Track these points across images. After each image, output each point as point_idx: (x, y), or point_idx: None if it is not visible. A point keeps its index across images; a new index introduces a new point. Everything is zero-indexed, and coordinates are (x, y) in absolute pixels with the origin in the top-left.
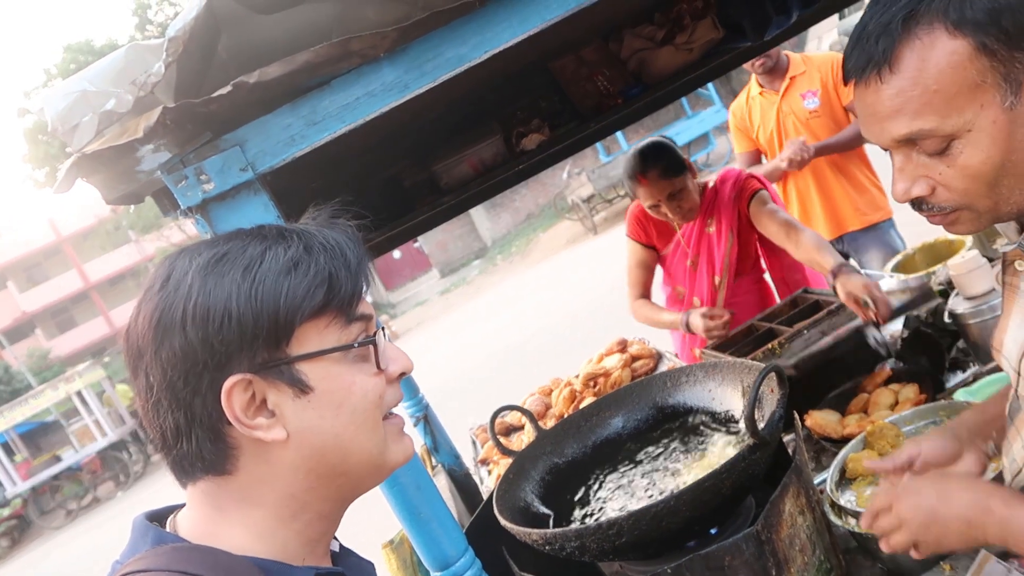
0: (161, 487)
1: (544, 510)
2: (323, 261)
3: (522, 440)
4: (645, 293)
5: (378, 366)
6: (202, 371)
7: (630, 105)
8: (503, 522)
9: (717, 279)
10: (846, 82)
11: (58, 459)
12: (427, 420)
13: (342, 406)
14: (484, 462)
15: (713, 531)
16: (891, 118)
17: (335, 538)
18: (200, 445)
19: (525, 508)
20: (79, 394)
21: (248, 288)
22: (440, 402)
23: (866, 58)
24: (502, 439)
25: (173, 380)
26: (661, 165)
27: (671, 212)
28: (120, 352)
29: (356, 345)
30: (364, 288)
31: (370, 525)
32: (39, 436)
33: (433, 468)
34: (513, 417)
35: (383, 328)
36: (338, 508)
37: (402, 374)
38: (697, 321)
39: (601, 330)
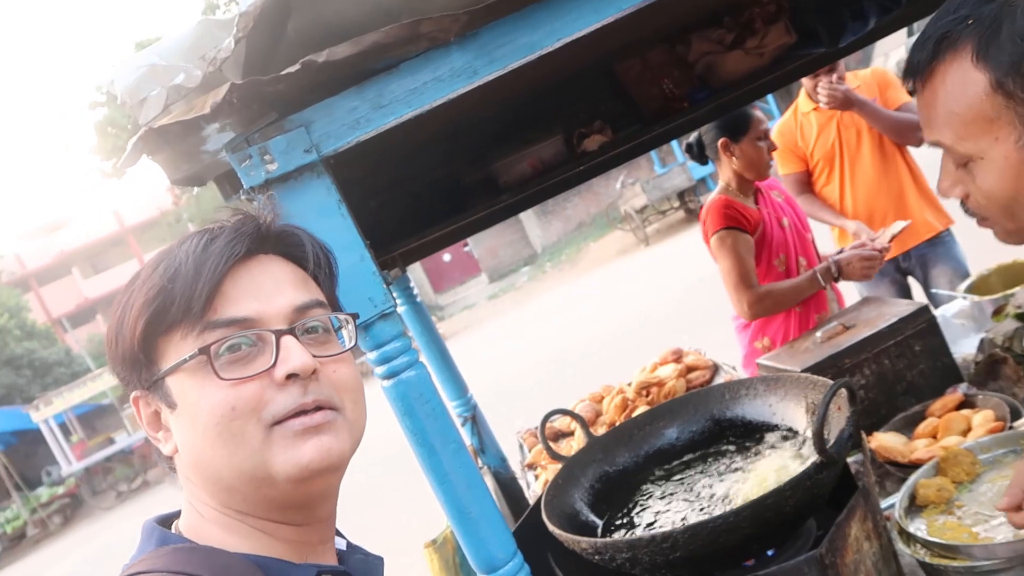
0: None
1: (593, 518)
2: (159, 274)
3: (571, 446)
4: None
5: (218, 376)
6: (125, 382)
7: (696, 110)
8: (552, 528)
9: (810, 235)
10: (904, 81)
11: (112, 441)
12: (475, 421)
13: (195, 420)
14: (531, 466)
15: (770, 552)
16: (924, 124)
17: (341, 535)
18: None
19: (574, 515)
20: None
21: (120, 314)
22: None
23: (912, 66)
24: (551, 444)
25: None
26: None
27: (768, 148)
28: None
29: (188, 358)
30: (208, 294)
31: (419, 521)
32: (95, 418)
33: (480, 470)
34: (562, 423)
35: (285, 332)
36: (292, 516)
37: (293, 375)
38: (850, 260)
39: (649, 342)
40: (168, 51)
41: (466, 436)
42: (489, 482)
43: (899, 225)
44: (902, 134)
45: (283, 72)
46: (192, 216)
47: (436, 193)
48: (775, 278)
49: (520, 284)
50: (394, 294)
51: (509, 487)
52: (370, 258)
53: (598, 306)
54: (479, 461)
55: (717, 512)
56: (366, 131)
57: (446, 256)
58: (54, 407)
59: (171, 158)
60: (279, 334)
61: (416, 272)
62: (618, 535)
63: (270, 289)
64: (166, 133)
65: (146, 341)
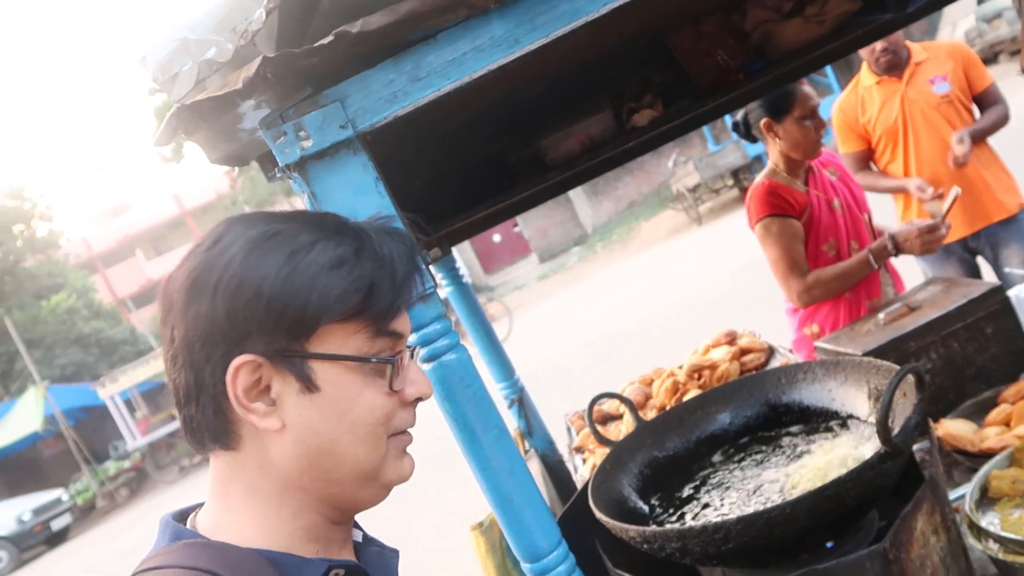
0: None
1: (641, 505)
2: (368, 268)
3: (620, 430)
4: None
5: (391, 386)
6: (219, 341)
7: (751, 82)
8: (599, 516)
9: (866, 216)
10: None
11: (173, 418)
12: (521, 403)
13: (345, 414)
14: (579, 450)
15: (829, 545)
16: None
17: (358, 527)
18: (203, 412)
19: (622, 502)
20: None
21: (287, 273)
22: (533, 387)
23: None
24: (599, 428)
25: (192, 341)
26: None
27: (816, 127)
28: None
29: (374, 360)
30: (403, 304)
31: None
32: (158, 395)
33: (526, 452)
34: (611, 406)
35: (411, 351)
36: (342, 514)
37: (419, 399)
38: (908, 234)
39: (702, 323)
40: (199, 24)
41: (513, 419)
42: (536, 465)
43: (954, 192)
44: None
45: (316, 44)
46: (247, 199)
47: (483, 172)
48: (825, 263)
49: (570, 264)
50: (439, 275)
51: (556, 470)
52: (410, 236)
53: (649, 286)
54: (526, 444)
55: (772, 502)
56: (403, 105)
57: (496, 236)
58: (119, 384)
59: (208, 137)
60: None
61: (466, 253)
62: (667, 523)
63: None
64: (200, 110)
65: (315, 320)
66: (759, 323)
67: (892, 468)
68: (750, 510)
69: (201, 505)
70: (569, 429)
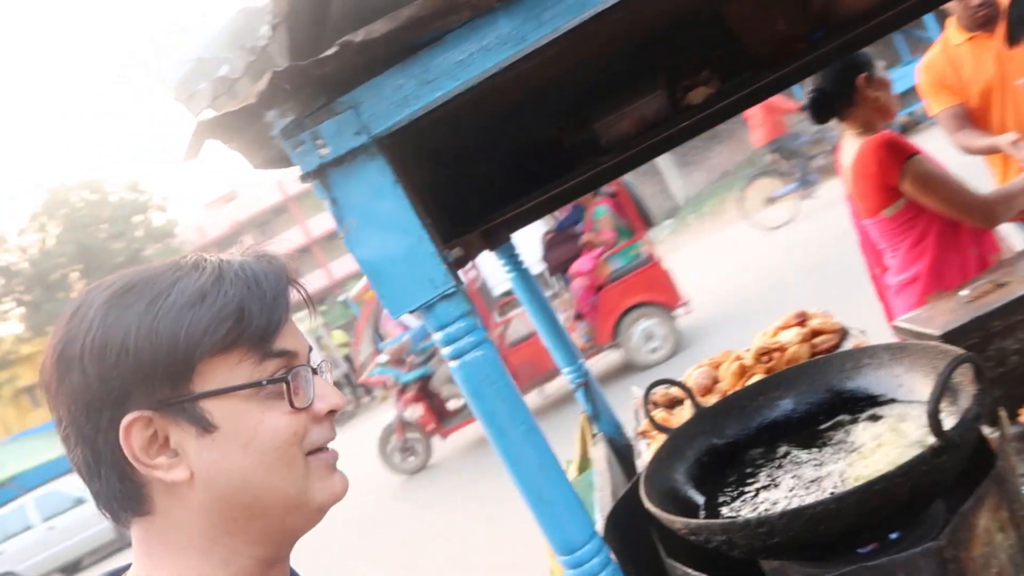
0: (368, 428)
1: (696, 495)
2: (232, 295)
3: (683, 416)
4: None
5: (291, 404)
6: (101, 408)
7: (814, 51)
8: (648, 506)
9: None
10: None
11: None
12: (587, 387)
13: (249, 445)
14: (643, 434)
15: (894, 536)
16: None
17: (295, 574)
18: (108, 482)
19: (675, 491)
20: (317, 331)
21: (149, 322)
22: (619, 367)
23: None
24: (665, 412)
25: (75, 415)
26: None
27: None
28: (336, 301)
29: (265, 383)
30: (281, 322)
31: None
32: None
33: (593, 437)
34: (679, 390)
35: (313, 365)
36: (274, 551)
37: (332, 412)
38: None
39: (794, 297)
40: (211, 43)
41: (580, 403)
42: (603, 450)
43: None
44: None
45: (322, 56)
46: None
47: (537, 158)
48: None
49: (662, 238)
50: (501, 262)
51: (624, 455)
52: (428, 239)
53: (741, 259)
54: (593, 428)
55: (818, 499)
56: (414, 108)
57: None
58: None
59: (243, 146)
60: (314, 371)
61: None
62: (721, 514)
63: (296, 327)
64: (224, 123)
65: (190, 360)
66: (834, 303)
67: (948, 463)
68: (794, 505)
69: (128, 566)
70: (637, 413)
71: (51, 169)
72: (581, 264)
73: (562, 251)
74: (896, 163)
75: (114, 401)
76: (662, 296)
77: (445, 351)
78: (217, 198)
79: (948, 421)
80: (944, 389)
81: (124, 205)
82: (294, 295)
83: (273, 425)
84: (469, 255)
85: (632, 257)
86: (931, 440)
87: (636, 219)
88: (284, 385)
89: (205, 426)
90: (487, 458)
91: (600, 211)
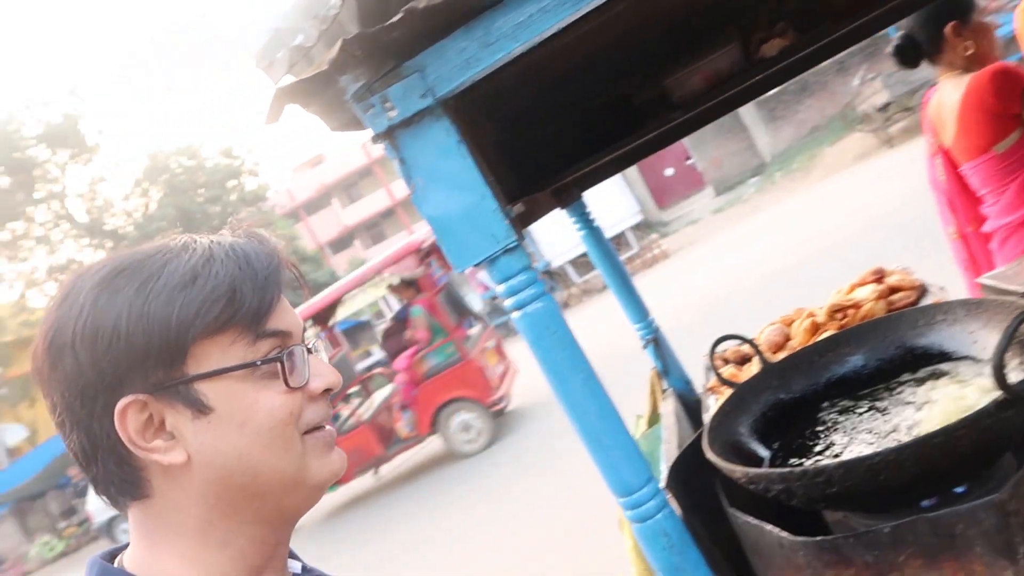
0: None
1: (759, 448)
2: (223, 274)
3: (752, 373)
4: None
5: (286, 384)
6: (95, 393)
7: None
8: (710, 455)
9: None
10: None
11: (369, 354)
12: (657, 343)
13: (245, 425)
14: (711, 390)
15: (960, 490)
16: None
17: (296, 558)
18: (106, 467)
19: (739, 444)
20: (384, 299)
21: (140, 305)
22: (697, 324)
23: None
24: (735, 368)
25: (70, 402)
26: None
27: None
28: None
29: (259, 363)
30: (274, 301)
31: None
32: (356, 333)
33: (664, 392)
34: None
35: (306, 344)
36: (272, 532)
37: (327, 390)
38: None
39: (887, 254)
40: (287, 13)
41: (650, 359)
42: (672, 405)
43: None
44: None
45: (388, 22)
46: None
47: (607, 115)
48: None
49: (748, 196)
50: (572, 219)
51: (694, 410)
52: (491, 196)
53: (831, 217)
54: (663, 384)
55: (878, 449)
56: (477, 70)
57: (668, 170)
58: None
59: (321, 110)
60: (308, 350)
61: (638, 188)
62: (785, 465)
63: (290, 306)
64: (302, 89)
65: (182, 342)
66: (914, 260)
67: (1015, 417)
68: (853, 456)
69: (125, 547)
70: (707, 370)
71: (152, 137)
72: (400, 360)
73: (394, 342)
74: (1017, 90)
75: (108, 386)
76: (475, 392)
77: (507, 303)
78: (305, 162)
79: (1016, 375)
80: (1011, 342)
81: (219, 170)
82: (285, 275)
83: (268, 405)
84: (539, 213)
85: (448, 355)
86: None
87: (447, 320)
88: (279, 365)
89: (200, 408)
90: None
91: (415, 311)
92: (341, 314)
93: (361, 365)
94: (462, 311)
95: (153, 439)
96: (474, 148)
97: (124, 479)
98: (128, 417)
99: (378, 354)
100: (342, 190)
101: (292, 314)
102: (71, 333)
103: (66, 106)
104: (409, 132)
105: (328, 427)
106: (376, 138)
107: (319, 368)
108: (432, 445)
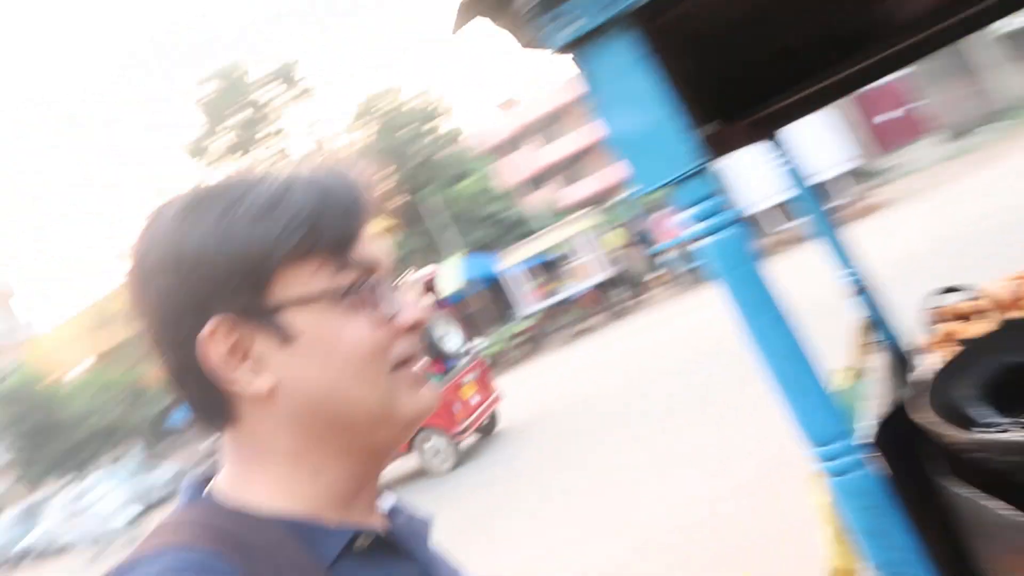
0: (644, 324)
1: (983, 412)
2: (304, 202)
3: (972, 331)
4: None
5: (373, 315)
6: (181, 317)
7: None
8: (925, 416)
9: None
10: None
11: (556, 291)
12: (866, 292)
13: (331, 355)
14: (930, 346)
15: None
16: None
17: (388, 493)
18: (198, 392)
19: (957, 406)
20: (577, 237)
21: (221, 231)
22: (901, 279)
23: None
24: (955, 325)
25: (160, 326)
26: None
27: None
28: (613, 204)
29: (343, 291)
30: (357, 230)
31: None
32: (550, 268)
33: (871, 345)
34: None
35: (394, 277)
36: (363, 466)
37: (416, 324)
38: None
39: None
40: None
41: (853, 312)
42: (880, 359)
43: None
44: None
45: None
46: None
47: (818, 40)
48: None
49: (984, 143)
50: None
51: (902, 365)
52: (680, 115)
53: None
54: (871, 336)
55: None
56: None
57: (895, 113)
58: (515, 257)
59: (509, 23)
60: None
61: (855, 132)
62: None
63: (377, 239)
64: (487, 1)
65: (266, 268)
66: None
67: None
68: None
69: (215, 473)
70: (924, 324)
71: (359, 82)
72: None
73: None
74: None
75: (194, 310)
76: (441, 423)
77: (694, 229)
78: (499, 104)
79: None
80: None
81: (414, 114)
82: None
83: (354, 335)
84: (734, 145)
85: None
86: None
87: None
88: (364, 295)
89: (285, 335)
90: None
91: None
92: (534, 250)
93: (550, 300)
94: (437, 353)
95: (238, 366)
96: (664, 65)
97: (212, 403)
98: (215, 340)
99: (568, 290)
100: (535, 132)
101: (381, 246)
102: (156, 260)
103: (284, 53)
104: (595, 45)
105: (417, 364)
106: (560, 50)
107: (408, 302)
108: (410, 462)
